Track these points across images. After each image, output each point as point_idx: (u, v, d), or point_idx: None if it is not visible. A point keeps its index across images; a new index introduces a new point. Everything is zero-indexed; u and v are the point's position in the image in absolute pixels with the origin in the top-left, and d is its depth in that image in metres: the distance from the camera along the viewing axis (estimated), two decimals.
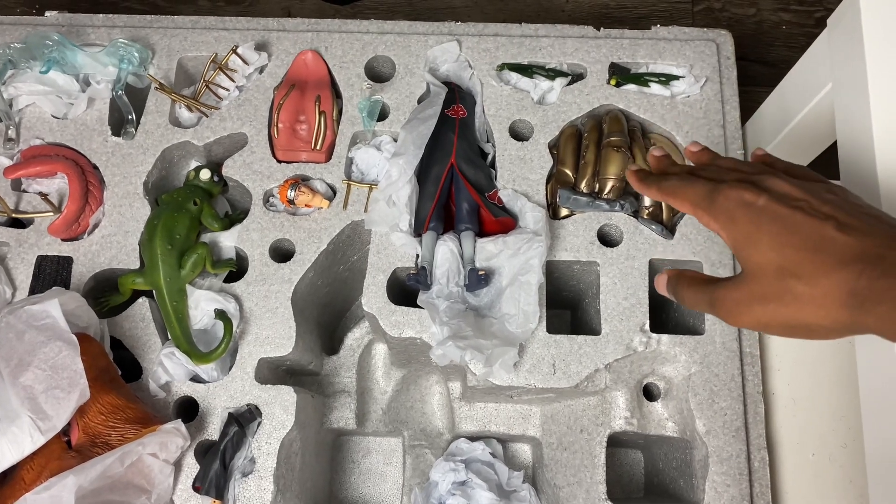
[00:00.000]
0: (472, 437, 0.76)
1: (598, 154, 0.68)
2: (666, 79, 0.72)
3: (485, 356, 0.61)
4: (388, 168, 0.66)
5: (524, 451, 0.79)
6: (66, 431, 0.58)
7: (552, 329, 0.65)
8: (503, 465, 0.75)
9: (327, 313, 0.78)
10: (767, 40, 0.97)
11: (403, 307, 0.66)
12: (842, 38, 0.55)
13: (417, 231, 0.68)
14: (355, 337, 0.78)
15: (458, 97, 0.72)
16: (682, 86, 0.72)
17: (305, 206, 0.68)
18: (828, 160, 0.62)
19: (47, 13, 0.77)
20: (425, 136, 0.66)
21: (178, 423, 0.59)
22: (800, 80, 0.63)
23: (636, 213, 0.68)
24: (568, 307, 0.83)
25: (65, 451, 0.57)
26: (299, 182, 0.69)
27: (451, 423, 0.76)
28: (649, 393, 0.69)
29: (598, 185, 0.68)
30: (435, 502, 0.71)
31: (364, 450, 0.81)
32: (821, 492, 0.65)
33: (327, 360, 0.77)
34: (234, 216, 0.72)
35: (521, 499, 0.73)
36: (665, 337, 0.65)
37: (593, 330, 0.67)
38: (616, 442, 0.78)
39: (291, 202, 0.68)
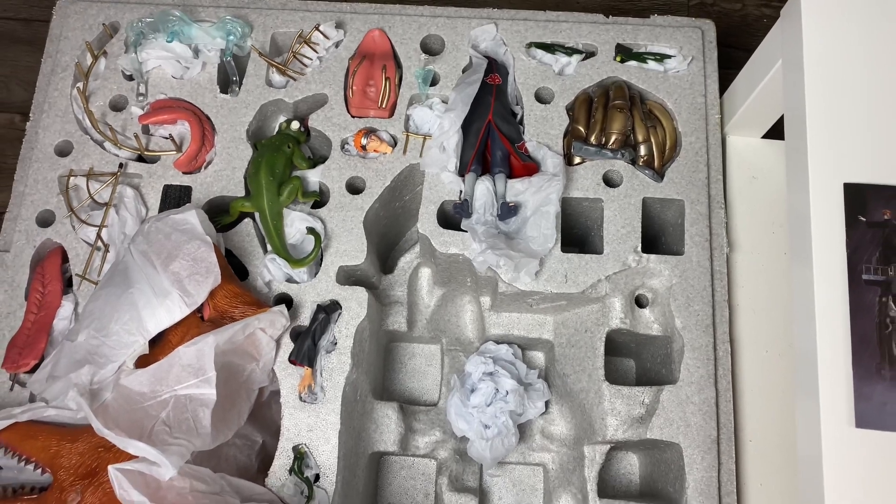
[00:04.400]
0: (498, 341, 0.95)
1: (605, 114, 0.87)
2: (660, 57, 0.91)
3: (514, 263, 0.80)
4: (441, 121, 0.85)
5: (539, 357, 0.98)
6: (199, 310, 0.77)
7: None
8: (522, 363, 0.94)
9: (384, 242, 0.97)
10: (751, 31, 1.15)
11: (449, 230, 0.85)
12: (789, 24, 0.73)
13: (461, 172, 0.87)
14: (406, 261, 0.97)
15: (494, 68, 0.91)
16: (673, 63, 0.91)
17: (374, 151, 0.88)
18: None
19: None
20: (471, 95, 0.85)
21: (282, 307, 0.79)
22: (760, 57, 0.81)
23: (633, 161, 0.87)
24: (577, 245, 1.02)
25: (200, 322, 0.77)
26: (370, 132, 0.88)
27: (482, 332, 0.95)
28: (640, 302, 0.87)
29: (604, 139, 0.87)
30: (469, 387, 0.91)
31: (410, 354, 1.01)
32: (771, 379, 0.84)
33: (384, 278, 0.96)
34: (317, 159, 0.91)
35: (536, 389, 0.92)
36: (653, 256, 0.84)
37: (597, 251, 0.86)
38: (614, 351, 0.97)
39: (364, 147, 0.87)
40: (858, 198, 0.64)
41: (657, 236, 0.95)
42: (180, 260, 0.75)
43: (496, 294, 0.88)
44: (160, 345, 0.76)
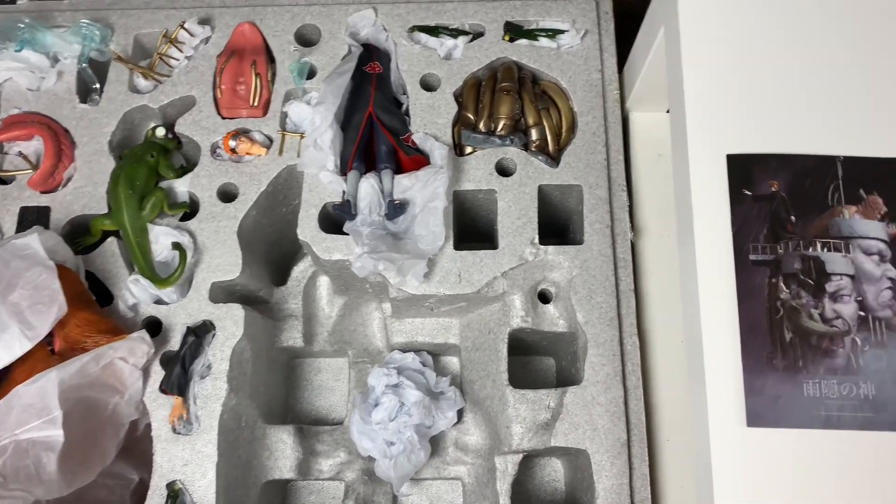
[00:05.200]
0: (405, 350, 0.88)
1: (493, 98, 0.81)
2: (553, 33, 0.84)
3: (396, 266, 0.73)
4: (312, 116, 0.78)
5: (454, 363, 0.92)
6: (49, 342, 0.70)
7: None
8: (432, 371, 0.87)
9: (276, 251, 0.90)
10: None
11: (332, 234, 0.78)
12: None
13: (343, 171, 0.80)
14: (300, 269, 0.90)
15: (375, 56, 0.84)
16: (567, 39, 0.84)
17: (246, 153, 0.81)
18: None
19: (19, 1, 0.89)
20: (341, 86, 0.79)
21: (143, 333, 0.72)
22: (647, 26, 0.75)
23: (526, 147, 0.80)
24: (485, 240, 0.95)
25: (49, 356, 0.69)
26: (240, 133, 0.81)
27: (389, 341, 0.89)
28: (545, 297, 0.81)
29: (493, 125, 0.80)
30: (372, 402, 0.84)
31: (315, 369, 0.94)
32: (686, 371, 0.77)
33: (277, 291, 0.89)
34: (189, 167, 0.83)
35: (447, 398, 0.86)
36: (551, 248, 0.77)
37: (495, 246, 0.79)
38: (532, 350, 0.90)
39: (234, 150, 0.80)
40: (743, 170, 0.58)
41: (566, 226, 0.89)
42: (20, 289, 0.68)
43: (390, 299, 0.81)
44: (4, 385, 0.68)
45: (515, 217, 0.79)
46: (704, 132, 0.59)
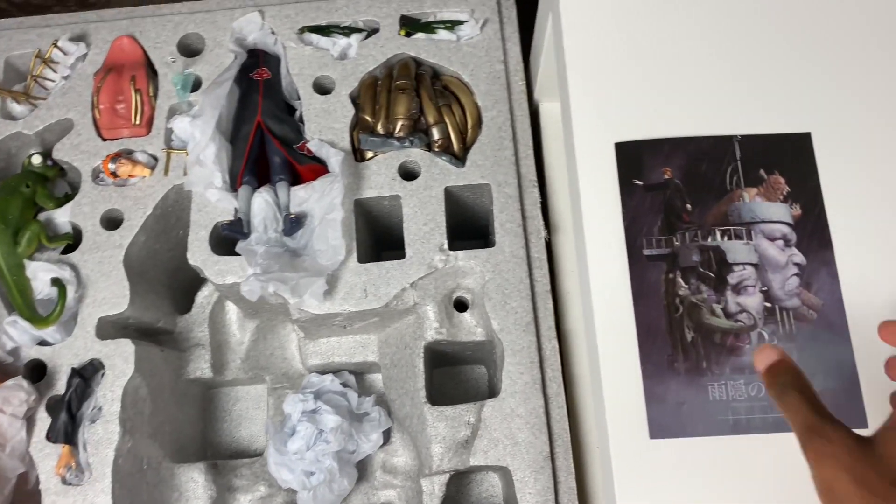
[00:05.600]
0: (323, 371, 0.83)
1: (390, 98, 0.76)
2: (451, 24, 0.79)
3: (290, 286, 0.68)
4: (191, 131, 0.72)
5: (378, 381, 0.87)
6: None
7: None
8: (354, 392, 0.82)
9: (179, 277, 0.85)
10: None
11: (226, 256, 0.73)
12: None
13: (234, 187, 0.74)
14: (205, 295, 0.85)
15: (262, 61, 0.79)
16: (466, 29, 0.79)
17: (129, 176, 0.75)
18: None
19: None
20: (221, 97, 0.73)
21: (19, 379, 0.66)
22: (541, 12, 0.70)
23: (429, 147, 0.76)
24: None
25: None
26: (120, 155, 0.75)
27: (304, 364, 0.83)
28: (463, 305, 0.76)
29: (391, 126, 0.75)
30: (289, 432, 0.79)
31: (233, 399, 0.88)
32: None
33: (181, 319, 0.84)
34: (72, 196, 0.78)
35: (371, 419, 0.81)
36: (461, 253, 0.73)
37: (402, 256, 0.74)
38: (461, 360, 0.86)
39: (115, 174, 0.74)
40: (633, 158, 0.53)
41: (486, 227, 0.84)
42: None
43: (296, 322, 0.76)
44: None
45: (422, 223, 0.74)
46: (590, 121, 0.54)
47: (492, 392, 0.86)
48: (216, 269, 0.72)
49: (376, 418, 0.81)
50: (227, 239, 0.73)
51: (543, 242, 0.73)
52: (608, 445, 0.48)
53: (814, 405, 0.38)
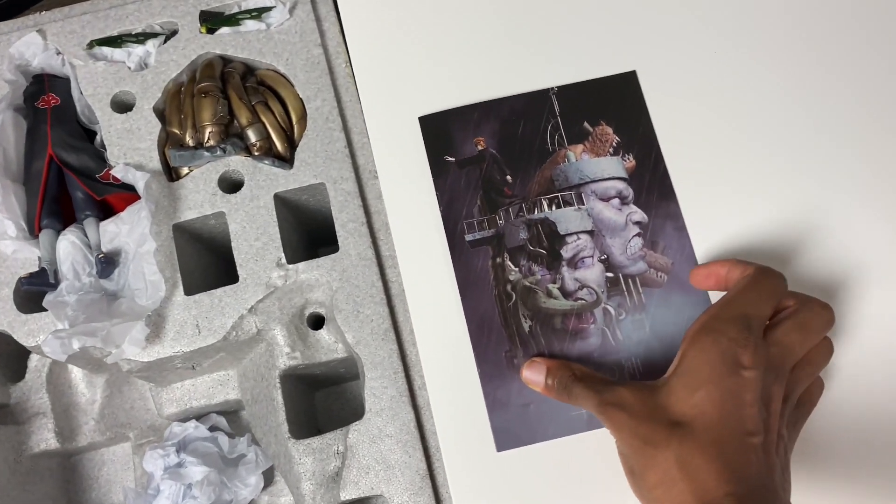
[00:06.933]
0: (185, 418, 0.74)
1: (194, 104, 0.67)
2: (258, 13, 0.71)
3: (100, 337, 0.59)
4: None
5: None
6: None
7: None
8: (224, 435, 0.74)
9: (2, 343, 0.74)
10: None
11: (34, 314, 0.63)
12: None
13: (33, 233, 0.65)
14: (37, 358, 0.75)
15: (47, 87, 0.69)
16: (275, 15, 0.71)
17: None
18: None
19: None
20: None
21: None
22: None
23: (248, 151, 0.67)
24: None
25: None
26: None
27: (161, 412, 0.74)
28: (320, 322, 0.68)
29: (199, 136, 0.66)
30: (153, 493, 0.70)
31: (98, 464, 0.79)
32: None
33: (14, 388, 0.74)
34: None
35: (247, 462, 0.72)
36: (301, 265, 0.65)
37: (235, 280, 0.66)
38: (343, 378, 0.78)
39: None
40: (441, 132, 0.46)
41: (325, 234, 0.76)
42: None
43: (130, 372, 0.67)
44: None
45: (253, 238, 0.65)
46: (384, 97, 0.47)
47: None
48: (25, 330, 0.63)
49: (252, 460, 0.72)
50: (35, 294, 0.64)
51: (392, 240, 0.66)
52: (444, 468, 0.41)
53: (598, 384, 0.38)
